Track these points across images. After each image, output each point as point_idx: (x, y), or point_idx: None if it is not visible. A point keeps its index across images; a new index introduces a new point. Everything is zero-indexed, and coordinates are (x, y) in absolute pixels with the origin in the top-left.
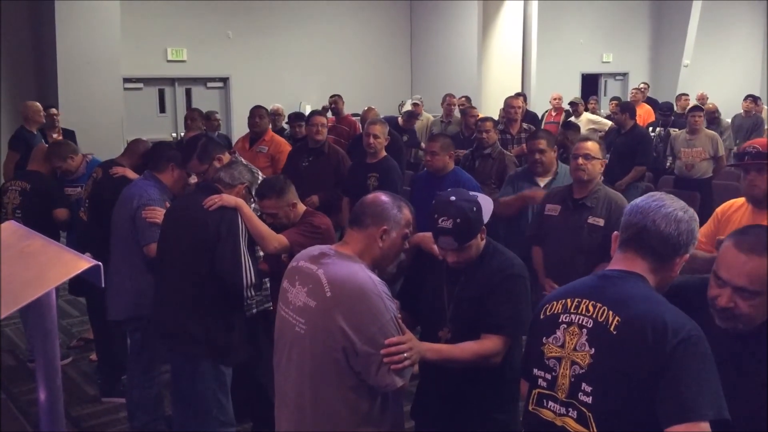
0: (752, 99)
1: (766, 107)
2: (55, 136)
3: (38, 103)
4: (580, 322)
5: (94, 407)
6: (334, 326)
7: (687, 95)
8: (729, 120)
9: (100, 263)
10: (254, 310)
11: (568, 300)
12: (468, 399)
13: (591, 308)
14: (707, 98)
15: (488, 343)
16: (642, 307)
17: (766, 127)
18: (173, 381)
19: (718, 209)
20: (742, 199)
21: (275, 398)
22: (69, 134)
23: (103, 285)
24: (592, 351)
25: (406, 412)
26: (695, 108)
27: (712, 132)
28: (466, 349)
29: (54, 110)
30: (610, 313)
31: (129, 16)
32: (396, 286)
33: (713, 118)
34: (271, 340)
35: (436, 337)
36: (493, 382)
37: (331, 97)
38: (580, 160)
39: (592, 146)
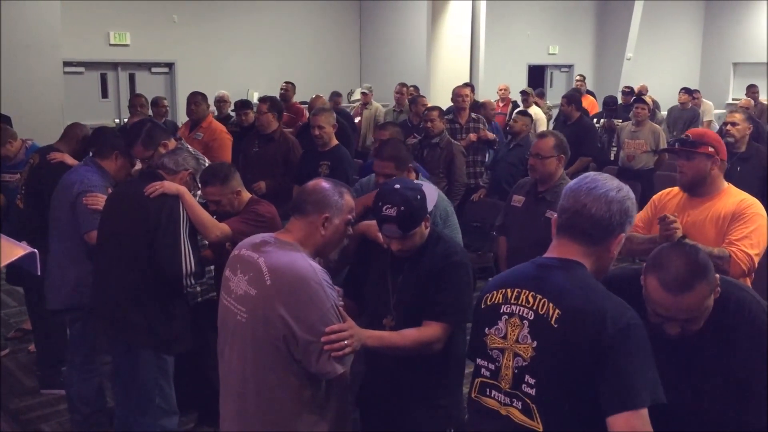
0: (686, 91)
1: (705, 100)
2: None
3: None
4: (520, 313)
5: (33, 399)
6: (275, 314)
7: (630, 87)
8: (665, 112)
9: (35, 251)
10: (199, 299)
11: (508, 290)
12: (411, 386)
13: (531, 299)
14: (647, 90)
15: (429, 330)
16: (581, 298)
17: (705, 119)
18: (115, 370)
19: (655, 196)
20: (678, 188)
21: (220, 387)
22: (5, 120)
23: (39, 273)
24: (535, 344)
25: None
26: (639, 100)
27: (657, 126)
28: (407, 336)
29: None
30: (551, 305)
31: None
32: (341, 275)
33: (650, 111)
34: (216, 329)
35: (380, 326)
36: (436, 369)
37: (283, 84)
38: (531, 160)
39: (543, 145)
